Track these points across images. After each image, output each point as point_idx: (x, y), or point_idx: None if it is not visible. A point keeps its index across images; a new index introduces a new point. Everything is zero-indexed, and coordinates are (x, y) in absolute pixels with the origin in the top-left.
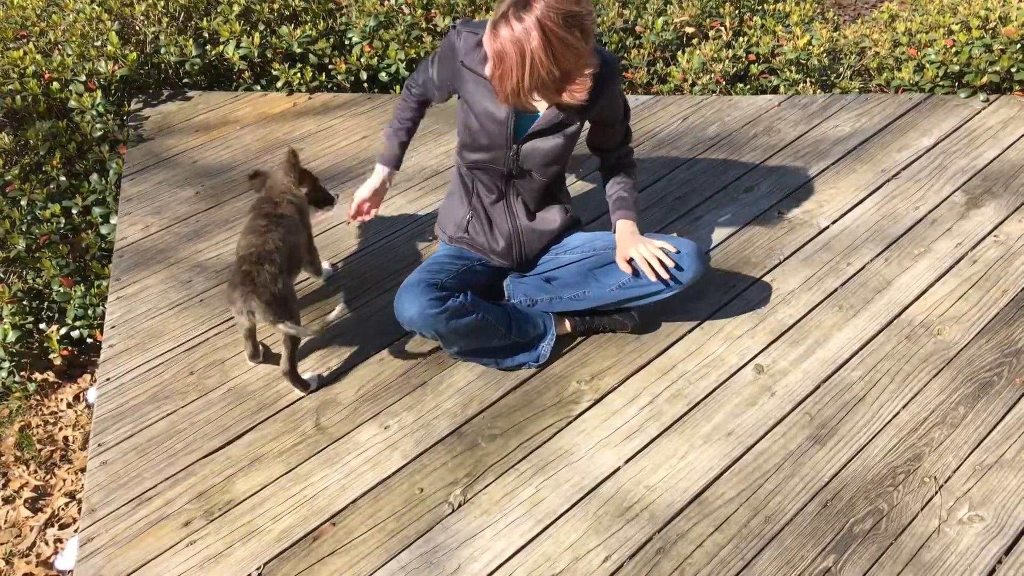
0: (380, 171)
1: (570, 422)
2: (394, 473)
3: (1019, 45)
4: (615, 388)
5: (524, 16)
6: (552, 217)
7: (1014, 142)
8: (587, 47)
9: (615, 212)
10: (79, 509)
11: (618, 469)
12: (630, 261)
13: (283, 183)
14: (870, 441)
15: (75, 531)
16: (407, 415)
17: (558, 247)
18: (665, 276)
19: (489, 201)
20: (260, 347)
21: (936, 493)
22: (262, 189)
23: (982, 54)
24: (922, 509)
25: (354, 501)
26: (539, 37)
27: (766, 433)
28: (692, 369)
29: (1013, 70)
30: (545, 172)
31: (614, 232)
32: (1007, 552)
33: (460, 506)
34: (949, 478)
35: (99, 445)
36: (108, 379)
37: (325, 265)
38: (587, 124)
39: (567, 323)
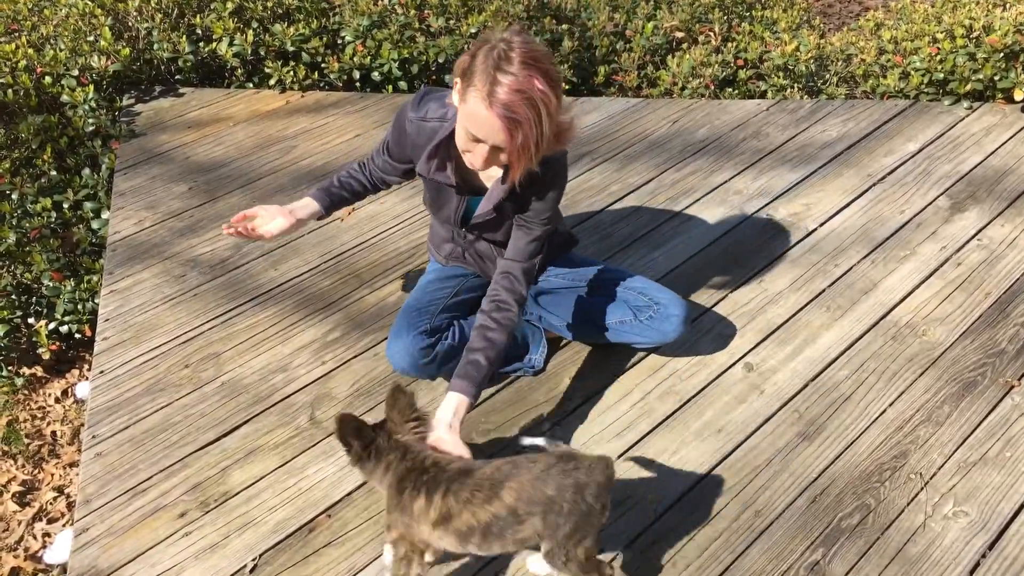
0: (308, 203)
1: (563, 418)
2: None
3: (1002, 54)
4: (607, 385)
5: (512, 69)
6: None
7: (996, 149)
8: None
9: (459, 378)
10: (68, 503)
11: None
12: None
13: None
14: (857, 438)
15: (64, 525)
16: None
17: (549, 270)
18: None
19: (470, 239)
20: None
21: (922, 489)
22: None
23: (966, 62)
24: (908, 505)
25: (349, 494)
26: (541, 79)
27: (756, 430)
28: (683, 367)
29: (996, 78)
30: (506, 236)
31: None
32: (991, 547)
33: None
34: (934, 474)
35: (93, 437)
36: (102, 371)
37: None
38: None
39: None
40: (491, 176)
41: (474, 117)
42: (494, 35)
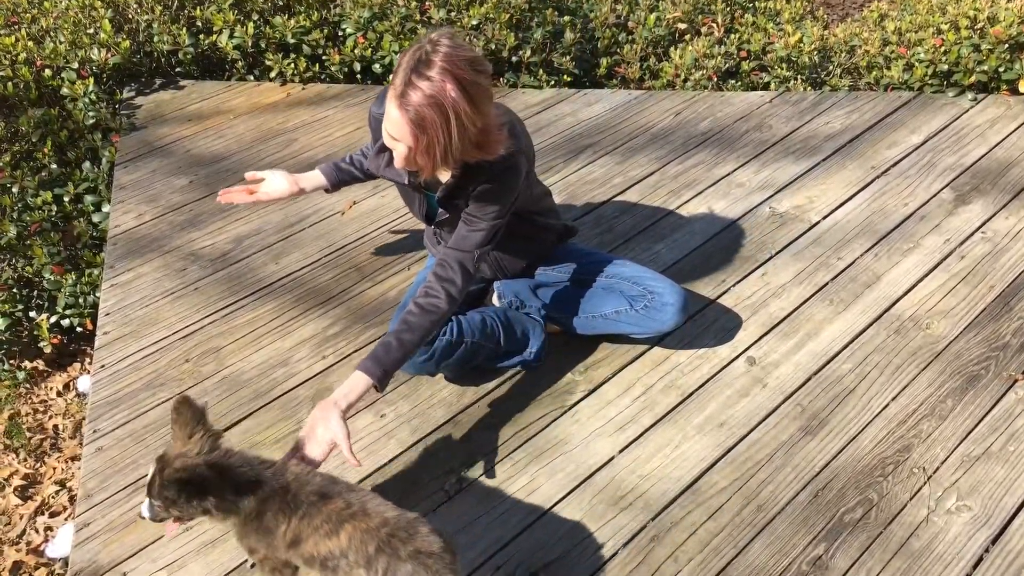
0: (316, 174)
1: (564, 412)
2: (391, 460)
3: (1007, 45)
4: (609, 379)
5: (430, 74)
6: (530, 242)
7: (1001, 140)
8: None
9: (369, 357)
10: (70, 497)
11: (612, 458)
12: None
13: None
14: (860, 432)
15: (65, 519)
16: (403, 404)
17: (547, 263)
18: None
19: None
20: None
21: (925, 483)
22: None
23: (970, 54)
24: (911, 499)
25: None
26: (455, 87)
27: (758, 424)
28: (685, 361)
29: (1001, 70)
30: None
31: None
32: (993, 541)
33: (456, 493)
34: (937, 469)
35: (94, 432)
36: (103, 366)
37: None
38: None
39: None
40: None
41: (389, 117)
42: (426, 36)
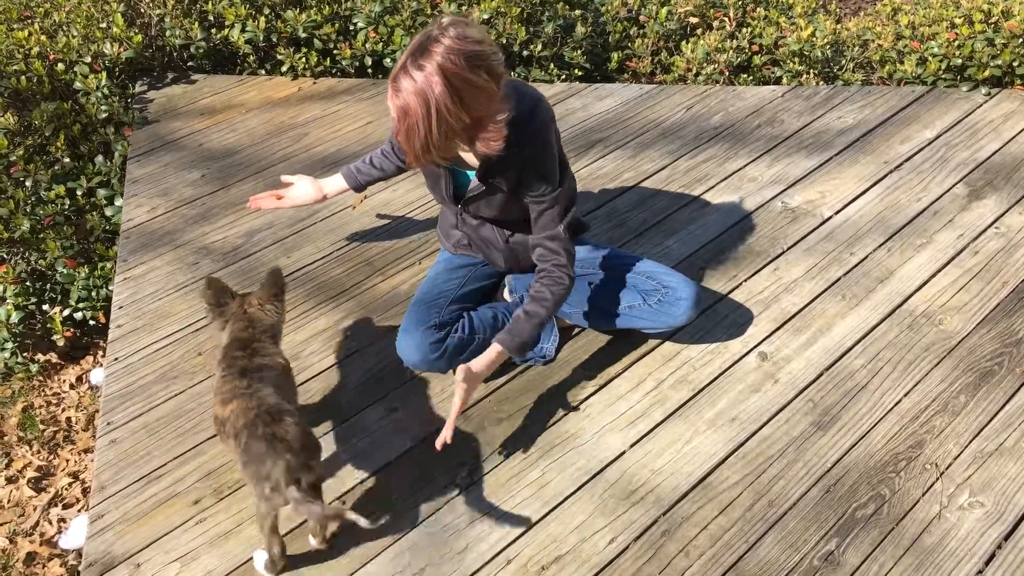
0: (337, 179)
1: (575, 407)
2: (402, 455)
3: (1021, 40)
4: (620, 374)
5: (424, 64)
6: None
7: (1015, 136)
8: (497, 89)
9: (503, 331)
10: (83, 489)
11: (623, 453)
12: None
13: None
14: (872, 428)
15: (79, 511)
16: (414, 399)
17: None
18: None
19: (473, 225)
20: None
21: (937, 479)
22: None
23: (984, 48)
24: (923, 495)
25: (362, 482)
26: (442, 83)
27: (770, 419)
28: (696, 356)
29: (1015, 64)
30: (507, 217)
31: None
32: (1007, 538)
33: (467, 487)
34: (950, 465)
35: (108, 424)
36: (117, 359)
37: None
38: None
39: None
40: (475, 152)
41: (388, 97)
42: (439, 18)
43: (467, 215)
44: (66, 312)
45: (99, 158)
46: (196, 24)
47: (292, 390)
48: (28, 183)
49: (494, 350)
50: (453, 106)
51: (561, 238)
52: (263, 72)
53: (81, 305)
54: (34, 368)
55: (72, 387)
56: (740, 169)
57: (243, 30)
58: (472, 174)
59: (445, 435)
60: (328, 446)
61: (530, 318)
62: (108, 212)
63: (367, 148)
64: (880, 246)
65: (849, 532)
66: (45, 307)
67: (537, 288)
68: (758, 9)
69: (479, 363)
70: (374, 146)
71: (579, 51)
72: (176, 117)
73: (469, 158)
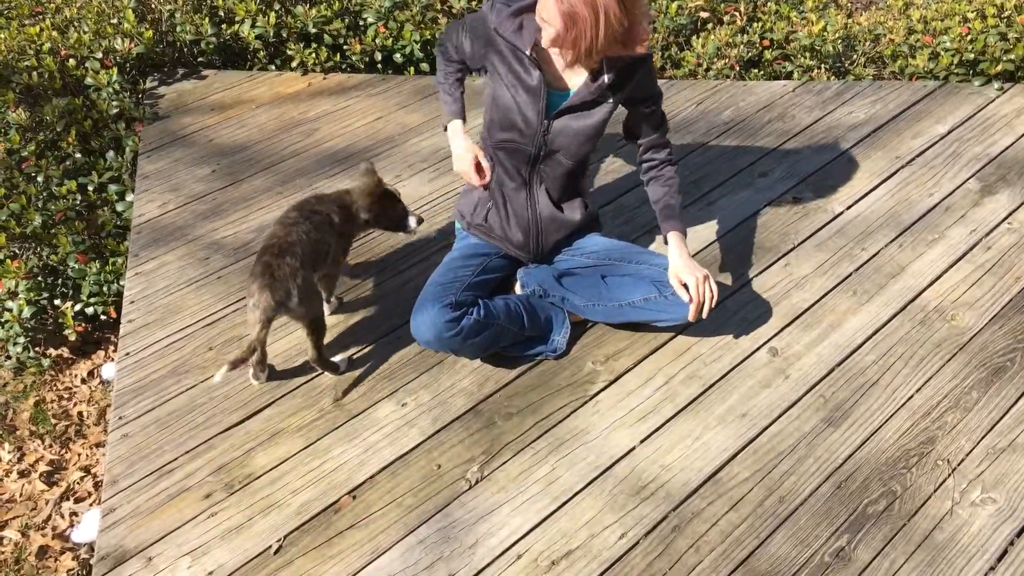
0: (457, 126)
1: (585, 402)
2: (412, 449)
3: None
4: (630, 369)
5: None
6: (573, 209)
7: None
8: None
9: (665, 222)
10: (94, 483)
11: (633, 448)
12: (684, 285)
13: (351, 194)
14: (884, 424)
15: (91, 505)
16: (424, 393)
17: (573, 249)
18: (702, 315)
19: (511, 188)
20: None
21: (949, 476)
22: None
23: (997, 42)
24: (935, 491)
25: (372, 476)
26: None
27: (780, 415)
28: (707, 351)
29: None
30: (573, 154)
31: (664, 241)
32: (1019, 534)
33: (477, 482)
34: (962, 461)
35: (120, 418)
36: (128, 353)
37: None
38: (622, 109)
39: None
40: (570, 75)
41: (544, 1)
42: None
43: (540, 149)
44: (77, 307)
45: (110, 153)
46: (206, 20)
47: (323, 267)
48: (40, 179)
49: (678, 238)
50: (619, 11)
51: (667, 138)
52: (273, 68)
53: (92, 300)
54: (46, 363)
55: (84, 382)
56: (751, 164)
57: (253, 26)
58: (567, 94)
59: None
60: (338, 440)
61: (679, 203)
62: (119, 207)
63: (377, 143)
64: (892, 241)
65: (860, 528)
66: (57, 302)
67: (666, 181)
68: (769, 4)
69: (683, 255)
70: (384, 141)
71: None
72: (187, 113)
73: (569, 76)
